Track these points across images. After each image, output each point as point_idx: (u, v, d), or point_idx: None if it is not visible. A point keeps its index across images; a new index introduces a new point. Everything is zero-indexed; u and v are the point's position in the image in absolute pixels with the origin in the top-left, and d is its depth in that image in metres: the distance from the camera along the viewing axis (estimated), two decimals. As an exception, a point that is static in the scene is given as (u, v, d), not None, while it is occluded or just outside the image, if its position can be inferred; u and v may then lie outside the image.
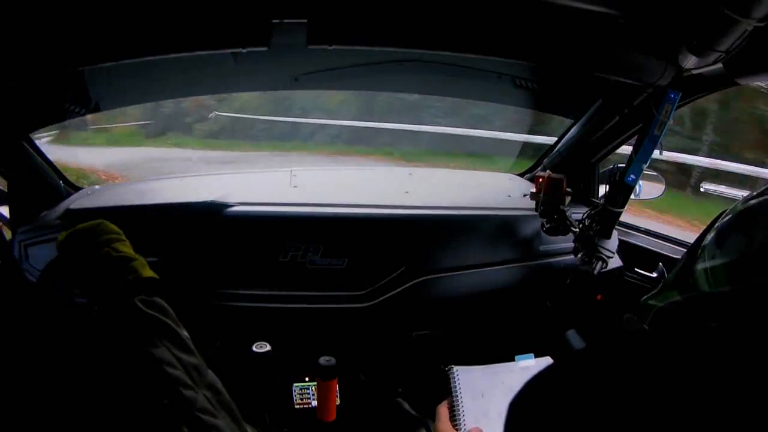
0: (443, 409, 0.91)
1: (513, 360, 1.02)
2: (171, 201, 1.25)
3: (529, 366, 1.00)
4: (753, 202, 0.39)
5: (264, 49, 0.92)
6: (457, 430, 0.91)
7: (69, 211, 1.20)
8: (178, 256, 1.18)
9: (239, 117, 7.15)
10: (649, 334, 0.40)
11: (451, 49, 1.01)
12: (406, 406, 1.19)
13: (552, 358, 1.02)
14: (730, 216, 0.41)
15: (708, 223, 0.44)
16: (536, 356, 1.03)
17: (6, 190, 1.25)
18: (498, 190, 1.47)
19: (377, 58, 1.16)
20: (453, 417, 0.93)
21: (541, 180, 1.24)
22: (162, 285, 0.73)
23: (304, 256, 1.22)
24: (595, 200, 1.31)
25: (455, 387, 0.95)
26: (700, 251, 0.41)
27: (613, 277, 1.34)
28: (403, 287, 1.25)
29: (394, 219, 1.26)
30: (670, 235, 1.47)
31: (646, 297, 0.47)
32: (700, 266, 0.40)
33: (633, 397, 0.31)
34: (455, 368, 0.96)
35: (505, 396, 0.94)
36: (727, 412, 0.30)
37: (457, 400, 0.94)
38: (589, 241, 1.20)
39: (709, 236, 0.41)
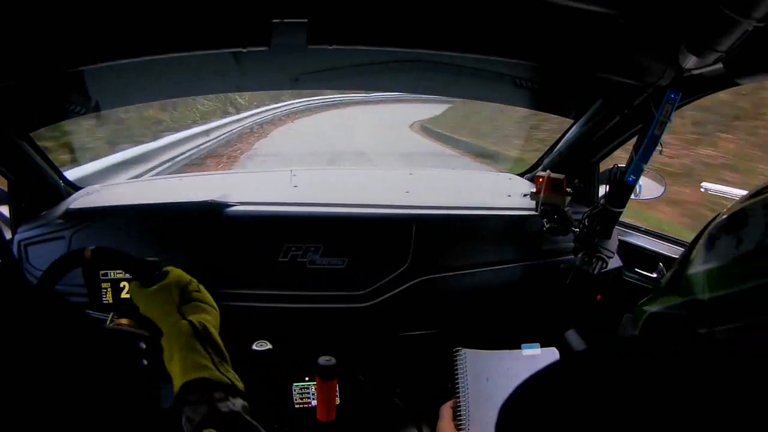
0: (446, 410, 0.91)
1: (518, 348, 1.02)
2: (171, 201, 1.25)
3: (534, 355, 1.00)
4: (746, 203, 0.38)
5: (264, 48, 0.92)
6: (458, 415, 0.92)
7: (69, 211, 1.20)
8: (178, 256, 1.18)
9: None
10: (637, 341, 0.40)
11: (452, 49, 1.01)
12: (402, 405, 1.19)
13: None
14: (721, 218, 0.40)
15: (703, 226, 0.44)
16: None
17: (6, 190, 1.25)
18: (498, 190, 1.47)
19: (377, 58, 1.16)
20: (456, 408, 0.93)
21: (541, 180, 1.24)
22: None
23: (304, 256, 1.22)
24: (596, 200, 1.30)
25: (462, 369, 0.95)
26: (692, 256, 0.40)
27: (613, 277, 1.34)
28: (402, 287, 1.25)
29: (394, 219, 1.26)
30: (670, 235, 1.47)
31: (640, 303, 0.47)
32: (692, 271, 0.39)
33: (622, 406, 0.31)
34: (463, 350, 0.97)
35: (509, 382, 0.95)
36: (716, 420, 0.30)
37: (463, 382, 0.94)
38: (589, 241, 1.20)
39: (702, 240, 0.40)
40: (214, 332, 0.70)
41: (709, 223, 0.41)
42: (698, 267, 0.39)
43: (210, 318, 0.72)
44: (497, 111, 8.65)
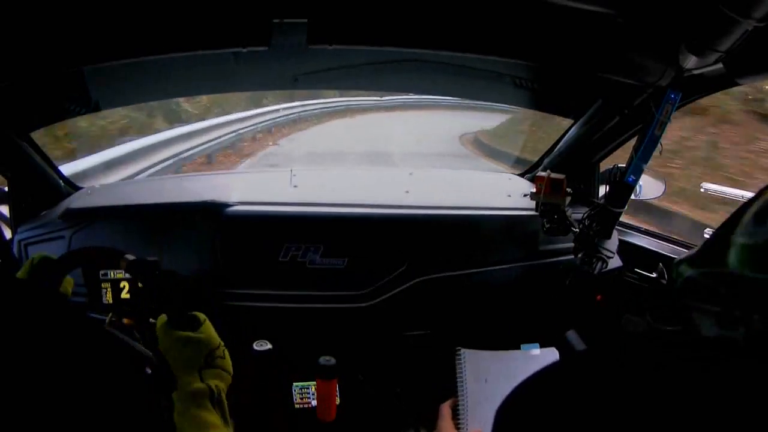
0: (446, 409, 0.92)
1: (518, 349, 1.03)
2: (171, 201, 1.25)
3: (534, 355, 1.01)
4: None
5: (264, 48, 0.92)
6: (458, 414, 0.93)
7: (69, 211, 1.20)
8: (178, 256, 1.18)
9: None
10: (637, 342, 0.39)
11: (452, 49, 1.01)
12: (402, 405, 1.19)
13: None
14: None
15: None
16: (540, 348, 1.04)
17: (6, 190, 1.25)
18: (498, 190, 1.47)
19: (377, 58, 1.16)
20: (456, 407, 0.94)
21: (541, 180, 1.24)
22: None
23: (304, 256, 1.22)
24: (596, 200, 1.30)
25: (462, 368, 0.96)
26: (740, 224, 0.35)
27: (613, 277, 1.34)
28: (402, 287, 1.25)
29: (394, 219, 1.26)
30: (671, 235, 1.47)
31: (679, 259, 0.41)
32: (736, 241, 0.34)
33: (620, 408, 0.31)
34: (463, 350, 0.98)
35: (508, 382, 0.96)
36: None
37: (462, 382, 0.95)
38: (589, 241, 1.20)
39: (751, 209, 0.35)
40: (224, 398, 0.72)
41: (763, 190, 0.35)
42: (741, 239, 0.34)
43: (224, 385, 0.74)
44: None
